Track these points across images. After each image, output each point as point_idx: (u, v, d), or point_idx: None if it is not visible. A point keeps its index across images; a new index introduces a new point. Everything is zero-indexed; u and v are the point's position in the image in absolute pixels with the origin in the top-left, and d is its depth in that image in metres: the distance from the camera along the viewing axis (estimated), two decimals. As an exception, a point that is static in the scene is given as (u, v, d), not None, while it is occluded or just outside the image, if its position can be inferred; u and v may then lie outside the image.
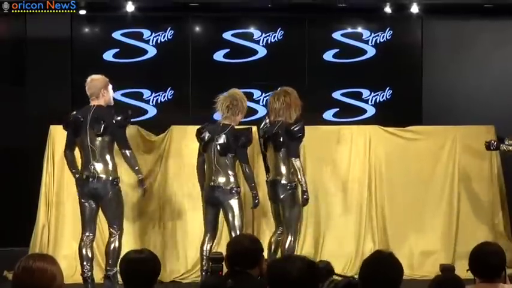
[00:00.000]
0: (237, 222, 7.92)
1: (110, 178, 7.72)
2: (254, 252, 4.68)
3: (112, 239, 7.77)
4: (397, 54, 10.89)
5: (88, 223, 7.86)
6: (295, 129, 8.01)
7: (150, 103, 10.63)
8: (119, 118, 7.77)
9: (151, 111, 10.66)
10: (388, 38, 10.83)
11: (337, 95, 10.83)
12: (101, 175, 7.71)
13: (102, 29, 10.82)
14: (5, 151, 10.35)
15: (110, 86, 7.96)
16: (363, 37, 10.84)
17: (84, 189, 7.78)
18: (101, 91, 7.84)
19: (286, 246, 8.03)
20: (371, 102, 10.83)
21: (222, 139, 7.93)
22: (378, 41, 10.82)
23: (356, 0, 10.14)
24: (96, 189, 7.72)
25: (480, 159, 9.10)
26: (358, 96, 10.83)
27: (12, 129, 10.35)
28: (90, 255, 7.82)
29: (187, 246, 8.75)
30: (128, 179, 8.77)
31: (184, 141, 8.55)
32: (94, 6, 10.41)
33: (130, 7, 10.13)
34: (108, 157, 7.76)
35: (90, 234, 7.86)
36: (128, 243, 8.51)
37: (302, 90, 9.77)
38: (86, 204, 7.83)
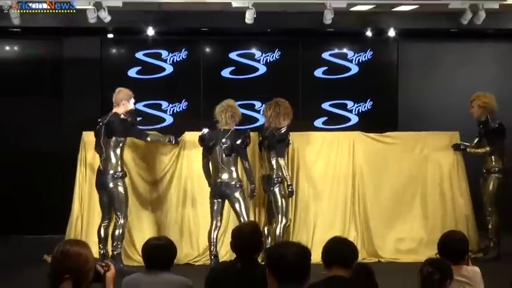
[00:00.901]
0: (244, 211, 8.09)
1: (112, 172, 7.95)
2: (255, 241, 4.63)
3: (117, 224, 8.00)
4: (377, 71, 10.87)
5: (103, 210, 8.14)
6: (280, 133, 8.22)
7: (168, 113, 10.61)
8: (128, 120, 8.02)
9: (169, 120, 10.65)
10: (369, 57, 10.83)
11: (325, 105, 10.82)
12: (107, 169, 7.97)
13: (127, 50, 10.81)
14: (45, 154, 10.35)
15: (132, 100, 8.12)
16: (348, 57, 10.83)
17: (98, 182, 8.10)
18: (122, 101, 8.08)
19: (278, 228, 8.20)
20: (354, 112, 10.83)
21: (227, 142, 8.06)
22: (360, 60, 10.81)
23: (342, 25, 10.13)
24: (103, 182, 8.00)
25: (447, 159, 9.09)
26: (343, 107, 10.82)
27: (50, 135, 10.38)
28: (103, 236, 8.09)
29: (199, 234, 8.76)
30: (147, 176, 8.79)
31: (196, 144, 8.55)
32: (120, 31, 10.42)
33: (150, 31, 10.14)
34: (115, 153, 7.98)
35: (105, 221, 8.13)
36: (150, 230, 8.57)
37: (296, 101, 9.81)
38: (99, 194, 8.13)
